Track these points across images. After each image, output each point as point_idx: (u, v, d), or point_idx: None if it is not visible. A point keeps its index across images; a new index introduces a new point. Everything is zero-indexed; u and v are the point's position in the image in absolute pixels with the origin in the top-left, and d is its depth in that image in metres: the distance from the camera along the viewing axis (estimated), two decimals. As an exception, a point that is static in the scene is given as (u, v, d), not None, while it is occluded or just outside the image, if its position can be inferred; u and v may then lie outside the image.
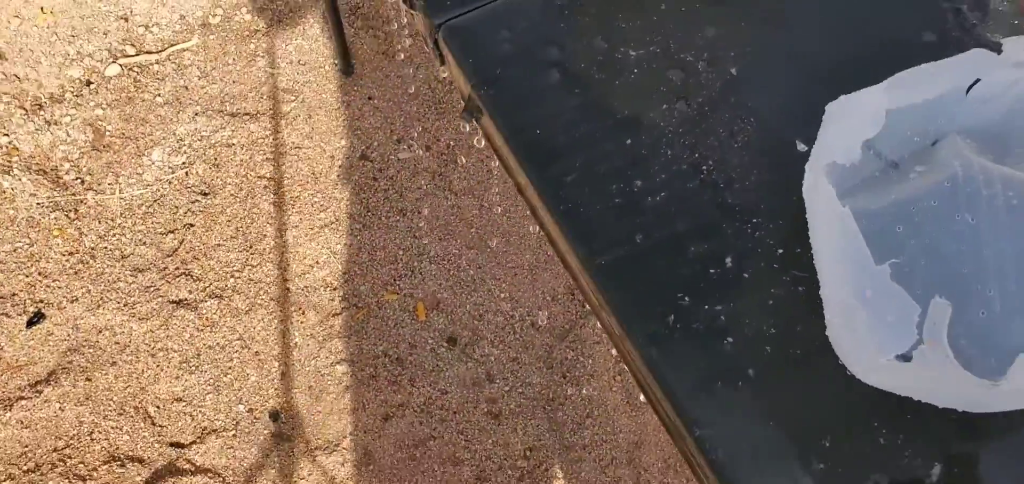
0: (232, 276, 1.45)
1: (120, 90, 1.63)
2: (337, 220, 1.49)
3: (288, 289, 1.43)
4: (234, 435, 1.33)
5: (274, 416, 1.34)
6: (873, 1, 0.70)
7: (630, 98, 0.65)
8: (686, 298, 0.57)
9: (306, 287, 1.43)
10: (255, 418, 1.35)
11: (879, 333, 0.48)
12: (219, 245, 1.48)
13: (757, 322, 0.56)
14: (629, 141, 0.63)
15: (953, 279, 0.51)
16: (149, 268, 1.45)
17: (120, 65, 1.67)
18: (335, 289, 1.43)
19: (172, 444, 1.32)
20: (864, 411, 0.52)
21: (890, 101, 0.55)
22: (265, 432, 1.34)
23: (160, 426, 1.34)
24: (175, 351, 1.38)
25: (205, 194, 1.53)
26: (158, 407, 1.35)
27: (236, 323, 1.41)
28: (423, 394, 1.36)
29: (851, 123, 0.55)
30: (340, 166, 1.55)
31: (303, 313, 1.41)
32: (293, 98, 1.62)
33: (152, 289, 1.43)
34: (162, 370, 1.37)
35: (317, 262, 1.45)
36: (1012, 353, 0.48)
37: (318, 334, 1.40)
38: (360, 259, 1.48)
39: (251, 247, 1.47)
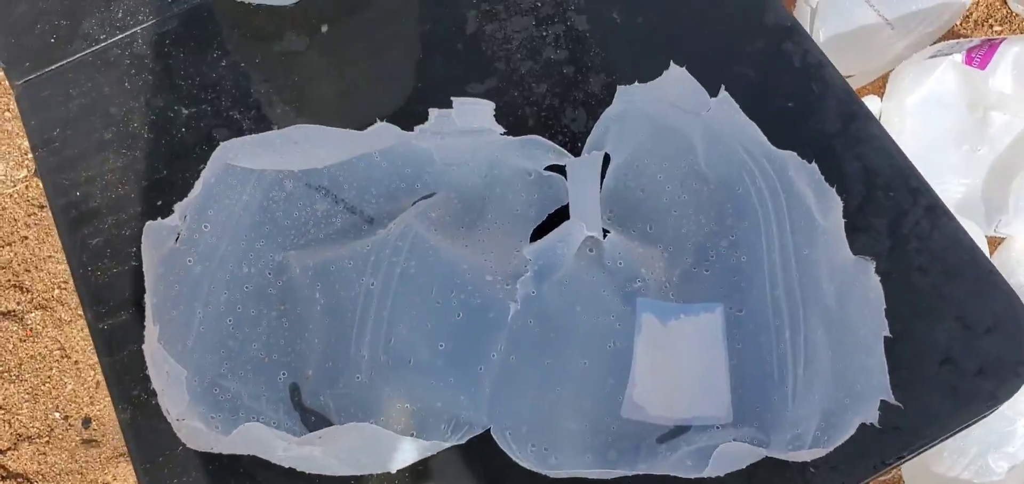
0: (58, 287, 1.51)
1: (-33, 105, 1.68)
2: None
3: (108, 300, 1.48)
4: (47, 442, 1.39)
5: (86, 423, 1.40)
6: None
7: (171, 159, 0.67)
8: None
9: (124, 298, 1.48)
10: (69, 425, 1.41)
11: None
12: (50, 256, 1.53)
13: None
14: (160, 203, 0.65)
15: (338, 342, 0.53)
16: (-16, 280, 1.51)
17: (-30, 80, 1.71)
18: (150, 300, 1.47)
19: (-9, 450, 1.39)
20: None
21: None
22: (77, 439, 1.39)
23: (-17, 433, 1.40)
24: (-2, 361, 1.45)
25: (42, 206, 1.58)
26: (-18, 415, 1.41)
27: (58, 334, 1.47)
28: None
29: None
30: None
31: (118, 324, 1.46)
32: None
33: (-17, 301, 1.49)
34: (-14, 380, 1.43)
35: (136, 273, 1.49)
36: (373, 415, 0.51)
37: (130, 344, 1.44)
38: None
39: (77, 259, 1.52)
